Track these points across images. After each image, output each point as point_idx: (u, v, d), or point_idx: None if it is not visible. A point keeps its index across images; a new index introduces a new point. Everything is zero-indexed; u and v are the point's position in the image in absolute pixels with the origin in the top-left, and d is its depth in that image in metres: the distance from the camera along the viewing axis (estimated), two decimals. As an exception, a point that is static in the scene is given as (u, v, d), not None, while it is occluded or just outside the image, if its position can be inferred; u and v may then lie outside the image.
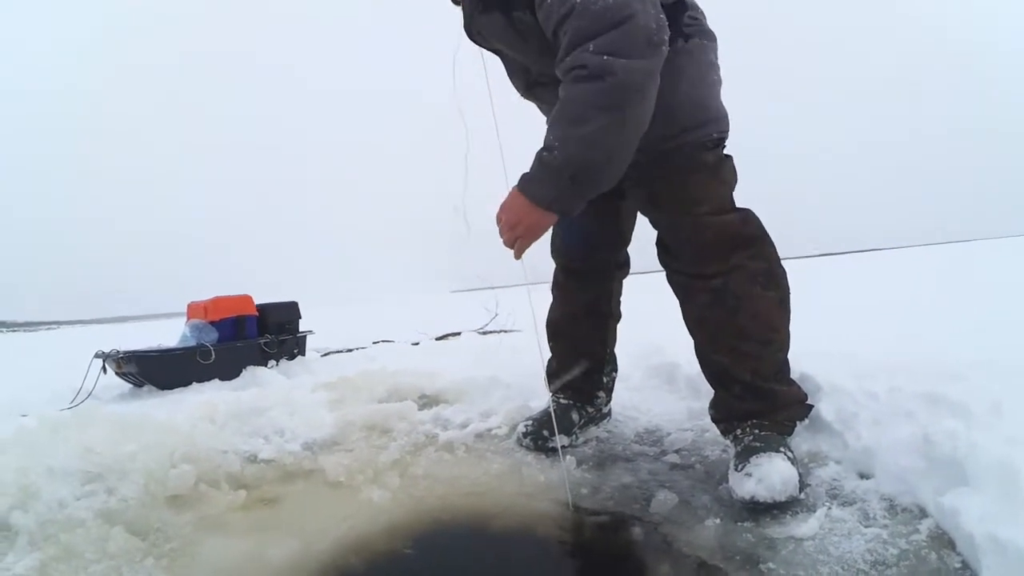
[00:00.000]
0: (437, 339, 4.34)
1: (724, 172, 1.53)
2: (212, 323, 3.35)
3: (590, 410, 1.92)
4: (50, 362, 5.88)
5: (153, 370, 3.10)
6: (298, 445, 2.12)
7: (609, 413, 2.01)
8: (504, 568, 1.38)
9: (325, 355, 4.11)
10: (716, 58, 1.61)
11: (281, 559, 1.35)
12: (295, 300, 3.77)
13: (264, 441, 2.16)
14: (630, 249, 1.94)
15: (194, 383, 3.18)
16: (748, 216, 1.53)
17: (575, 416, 1.88)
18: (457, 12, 1.68)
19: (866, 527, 1.22)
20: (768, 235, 1.55)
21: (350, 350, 4.27)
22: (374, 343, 4.54)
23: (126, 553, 1.41)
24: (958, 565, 1.05)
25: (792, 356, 1.59)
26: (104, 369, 3.20)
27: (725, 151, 1.58)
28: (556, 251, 1.94)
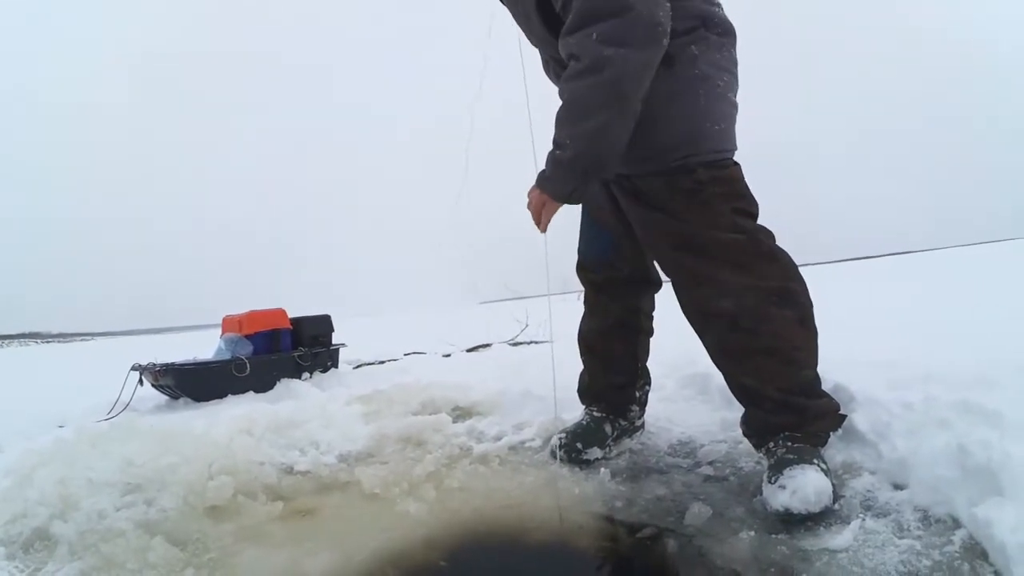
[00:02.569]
0: (468, 351, 4.40)
1: (708, 195, 1.52)
2: (247, 336, 3.45)
3: (623, 423, 1.94)
4: (85, 374, 6.08)
5: (189, 382, 3.20)
6: (333, 457, 2.18)
7: (643, 425, 2.03)
8: (538, 571, 1.42)
9: (357, 367, 4.19)
10: (726, 60, 1.60)
11: (319, 571, 1.40)
12: (328, 314, 3.86)
13: (300, 453, 2.22)
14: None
15: (229, 395, 3.27)
16: (756, 235, 1.53)
17: (608, 428, 1.91)
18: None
19: (900, 538, 1.22)
20: (781, 252, 1.55)
21: (382, 362, 4.34)
22: (405, 355, 4.61)
23: (166, 563, 1.47)
24: (991, 575, 1.06)
25: (825, 366, 1.59)
26: (141, 381, 3.32)
27: (718, 171, 1.56)
28: (580, 267, 1.98)
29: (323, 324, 3.81)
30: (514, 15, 1.74)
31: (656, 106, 1.47)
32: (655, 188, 1.57)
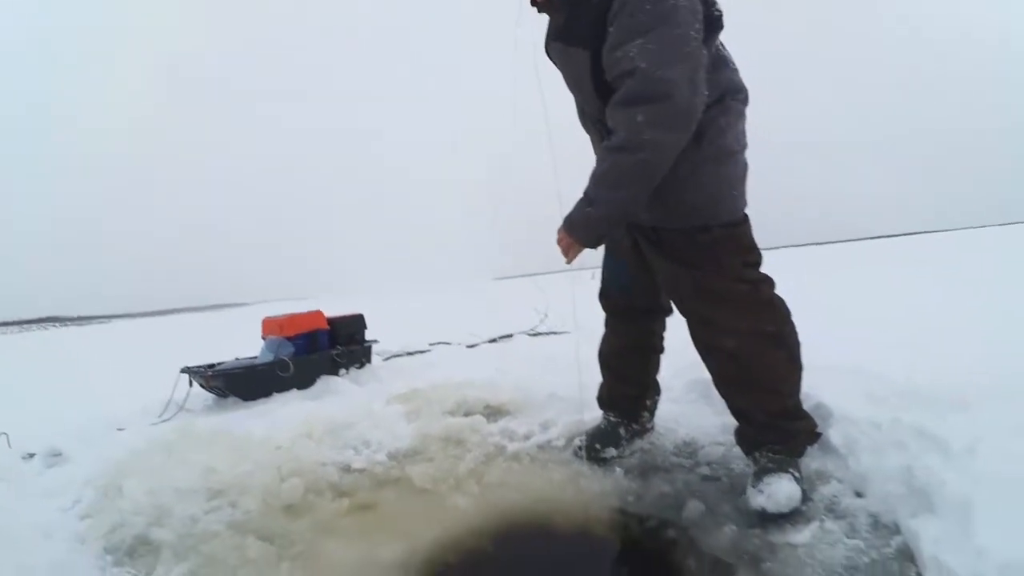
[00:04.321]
0: (491, 341, 4.75)
1: (721, 250, 1.81)
2: (288, 338, 3.82)
3: (635, 426, 2.30)
4: (122, 364, 6.33)
5: (239, 384, 3.56)
6: (384, 455, 2.52)
7: (652, 427, 2.39)
8: (568, 561, 1.79)
9: (387, 359, 4.56)
10: (743, 127, 1.87)
11: (391, 558, 1.76)
12: (361, 313, 4.22)
13: (355, 452, 2.55)
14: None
15: (275, 394, 3.60)
16: (758, 285, 1.85)
17: (622, 432, 2.27)
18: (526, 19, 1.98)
19: (850, 539, 1.55)
20: (778, 300, 1.86)
21: (410, 353, 4.71)
22: (431, 345, 4.96)
23: (263, 558, 1.78)
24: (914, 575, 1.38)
25: (813, 382, 1.94)
26: (190, 383, 3.64)
27: (732, 230, 1.84)
28: (602, 296, 2.30)
29: (357, 324, 4.17)
30: (564, 74, 1.94)
31: (685, 172, 1.73)
32: (676, 241, 1.86)
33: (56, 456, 2.67)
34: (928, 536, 1.38)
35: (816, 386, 2.08)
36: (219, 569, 1.73)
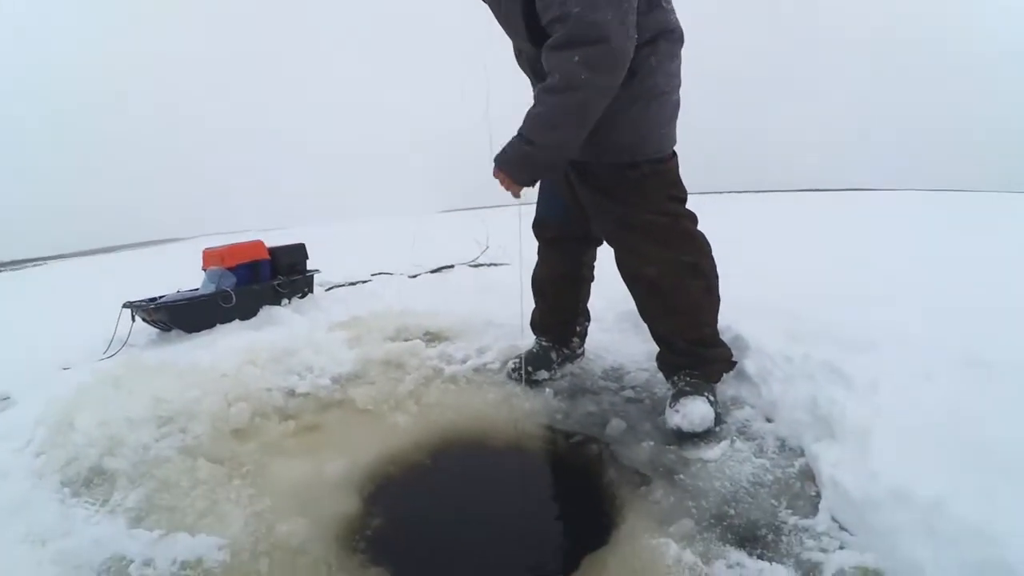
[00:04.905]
0: (432, 271, 4.85)
1: (647, 185, 1.94)
2: (229, 269, 3.82)
3: (566, 351, 2.48)
4: (63, 306, 5.99)
5: (182, 317, 3.55)
6: (327, 380, 2.62)
7: (583, 353, 2.57)
8: (499, 473, 1.98)
9: (329, 289, 4.59)
10: (676, 67, 1.93)
11: (336, 473, 1.90)
12: (302, 242, 4.23)
13: (299, 378, 2.64)
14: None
15: (218, 325, 3.62)
16: (679, 218, 1.99)
17: (554, 356, 2.44)
18: None
19: (757, 458, 1.75)
20: (698, 234, 2.01)
21: (352, 283, 4.76)
22: (373, 275, 5.01)
23: (214, 478, 1.88)
24: (812, 494, 1.55)
25: (734, 318, 2.15)
26: (133, 318, 3.58)
27: (659, 165, 1.96)
28: (536, 226, 2.42)
29: (298, 253, 4.18)
30: (497, 18, 1.99)
31: (616, 110, 1.80)
32: (605, 176, 1.97)
33: (4, 400, 2.68)
34: (828, 459, 1.55)
35: (737, 320, 2.27)
36: (173, 492, 1.83)
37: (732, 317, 2.15)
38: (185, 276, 4.35)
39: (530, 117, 1.79)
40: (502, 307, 3.17)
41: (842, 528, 1.41)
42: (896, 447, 1.44)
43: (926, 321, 2.26)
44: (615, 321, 2.83)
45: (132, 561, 1.51)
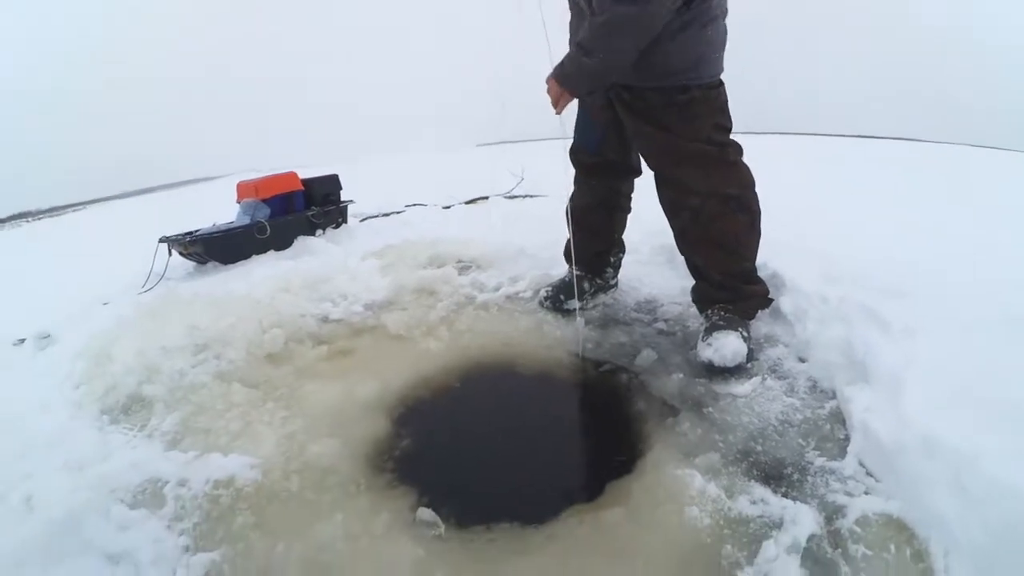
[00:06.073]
0: (467, 203, 4.82)
1: (696, 111, 1.89)
2: (264, 200, 3.86)
3: (599, 281, 2.45)
4: (103, 247, 6.08)
5: (217, 249, 3.61)
6: (360, 306, 2.68)
7: (616, 285, 2.54)
8: (528, 399, 2.00)
9: (363, 220, 4.62)
10: (721, 14, 1.89)
11: (368, 395, 1.96)
12: (336, 173, 4.24)
13: (332, 305, 2.71)
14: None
15: (253, 256, 3.67)
16: (725, 148, 1.92)
17: (587, 285, 2.41)
18: None
19: (788, 397, 1.73)
20: (743, 165, 1.95)
21: (386, 214, 4.77)
22: (407, 206, 5.02)
23: (248, 402, 1.96)
24: (841, 437, 1.54)
25: (771, 254, 2.09)
26: (169, 252, 3.64)
27: (708, 91, 1.91)
28: (573, 152, 2.35)
29: (332, 183, 4.20)
30: None
31: (670, 33, 1.79)
32: (653, 100, 1.92)
33: (45, 338, 2.74)
34: (860, 403, 1.53)
35: (775, 257, 2.22)
36: (208, 415, 1.90)
37: (770, 252, 2.09)
38: (221, 211, 4.40)
39: (592, 26, 1.78)
40: (536, 237, 3.15)
41: (868, 474, 1.40)
42: (929, 397, 1.40)
43: (967, 273, 2.17)
44: (650, 254, 2.78)
45: (167, 482, 1.57)
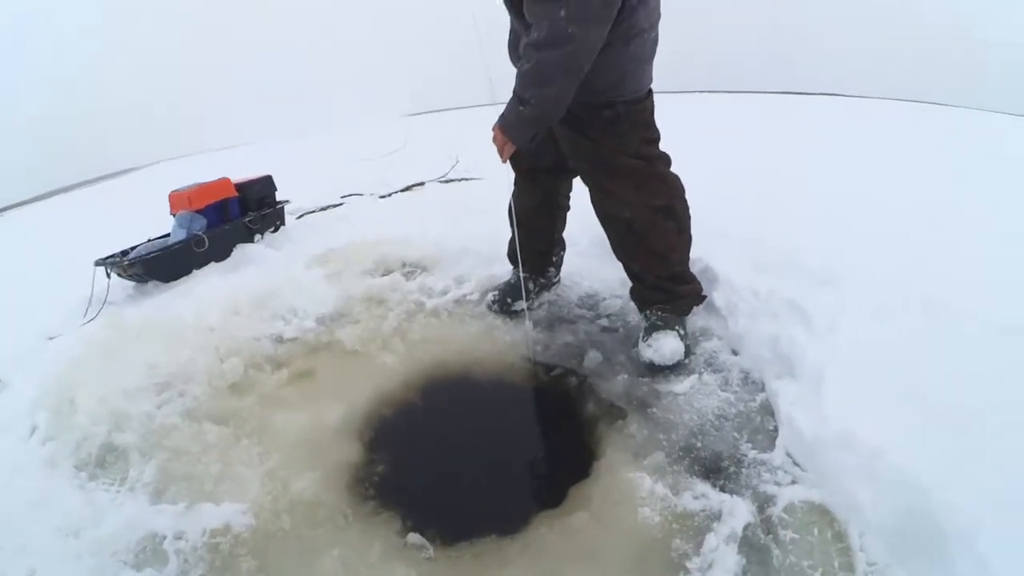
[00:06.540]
0: (403, 190, 4.86)
1: (622, 126, 1.98)
2: (198, 211, 3.81)
3: (543, 280, 2.60)
4: (24, 261, 5.51)
5: (157, 268, 3.51)
6: (312, 321, 2.72)
7: (559, 281, 2.70)
8: (487, 410, 2.15)
9: (300, 217, 4.59)
10: (655, 4, 1.93)
11: (336, 420, 2.05)
12: (269, 174, 4.20)
13: (284, 322, 2.73)
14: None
15: (193, 270, 3.61)
16: (654, 162, 2.04)
17: (531, 286, 2.56)
18: None
19: (723, 391, 1.93)
20: (671, 176, 2.08)
21: (323, 209, 4.76)
22: (343, 197, 5.01)
23: (222, 441, 1.97)
24: (771, 428, 1.75)
25: (704, 247, 2.27)
26: (108, 274, 3.49)
27: (634, 106, 1.99)
28: (512, 157, 2.43)
29: (267, 185, 4.15)
30: None
31: (598, 66, 1.81)
32: (582, 116, 1.99)
33: None
34: (786, 397, 1.73)
35: (708, 251, 2.39)
36: (186, 459, 1.93)
37: (702, 248, 2.26)
38: (149, 212, 4.29)
39: (520, 75, 1.81)
40: (476, 228, 3.25)
41: (795, 463, 1.61)
42: (847, 392, 1.62)
43: (893, 255, 2.36)
44: (589, 245, 2.91)
45: (164, 537, 1.63)
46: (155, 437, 2.06)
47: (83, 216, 7.89)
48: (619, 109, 1.97)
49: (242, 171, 4.23)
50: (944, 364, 1.66)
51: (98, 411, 2.16)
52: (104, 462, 2.00)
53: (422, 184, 4.89)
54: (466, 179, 4.91)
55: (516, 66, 2.07)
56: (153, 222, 4.04)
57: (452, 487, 1.81)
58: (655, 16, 1.94)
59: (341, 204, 4.82)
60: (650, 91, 2.05)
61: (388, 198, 4.77)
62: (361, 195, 4.98)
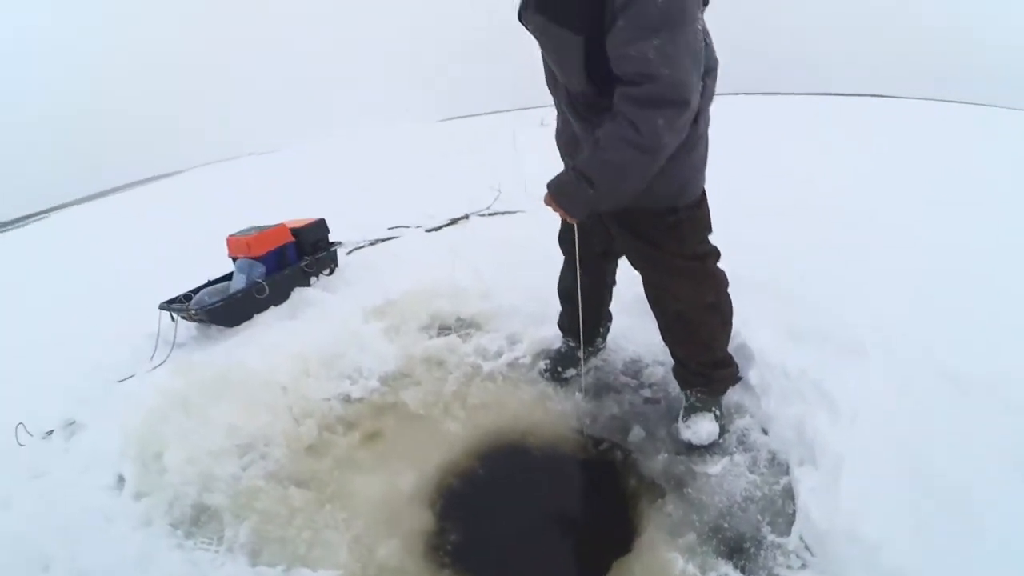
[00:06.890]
0: (448, 223, 5.08)
1: (683, 230, 2.07)
2: (257, 258, 4.07)
3: (591, 348, 2.81)
4: (73, 283, 5.61)
5: (221, 315, 3.77)
6: (376, 381, 2.94)
7: (605, 347, 2.90)
8: (540, 475, 2.38)
9: (350, 252, 4.83)
10: (710, 104, 1.94)
11: (410, 487, 2.27)
12: (323, 217, 4.44)
13: (351, 382, 2.94)
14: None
15: (255, 315, 3.86)
16: (707, 260, 2.17)
17: (580, 355, 2.76)
18: None
19: (751, 473, 2.10)
20: (719, 272, 2.21)
21: (372, 243, 5.00)
22: (390, 229, 5.23)
23: (308, 504, 2.15)
24: (790, 512, 1.89)
25: (740, 322, 2.41)
26: (172, 318, 3.77)
27: (694, 210, 2.07)
28: (561, 240, 2.61)
29: (320, 229, 4.39)
30: (544, 48, 1.95)
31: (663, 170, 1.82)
32: (642, 220, 2.07)
33: (71, 425, 2.80)
34: (806, 484, 1.89)
35: (744, 323, 2.54)
36: (276, 522, 2.10)
37: (739, 323, 2.40)
38: (187, 222, 4.31)
39: (599, 161, 1.77)
40: (524, 280, 3.44)
41: (807, 548, 1.78)
42: (860, 481, 1.78)
43: (913, 317, 2.52)
44: (632, 301, 2.98)
45: None
46: (244, 499, 2.21)
47: (126, 224, 8.00)
48: (681, 215, 2.04)
49: (278, 183, 4.31)
50: (949, 445, 1.83)
51: (187, 471, 2.33)
52: (198, 521, 2.15)
53: (466, 217, 5.11)
54: (509, 212, 5.10)
55: (566, 161, 2.24)
56: (190, 232, 4.08)
57: (514, 556, 2.04)
58: (708, 116, 1.99)
59: (390, 239, 5.04)
60: (704, 192, 2.11)
61: (435, 232, 4.99)
62: (407, 227, 5.21)
